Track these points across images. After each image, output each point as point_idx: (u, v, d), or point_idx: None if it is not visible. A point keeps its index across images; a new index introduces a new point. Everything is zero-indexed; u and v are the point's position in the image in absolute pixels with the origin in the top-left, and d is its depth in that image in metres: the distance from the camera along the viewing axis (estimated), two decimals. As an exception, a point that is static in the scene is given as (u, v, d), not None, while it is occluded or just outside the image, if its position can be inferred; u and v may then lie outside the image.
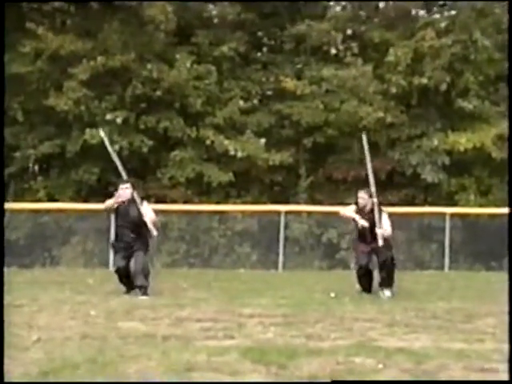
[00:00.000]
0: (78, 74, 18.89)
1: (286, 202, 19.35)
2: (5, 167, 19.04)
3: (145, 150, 19.30)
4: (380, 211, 11.66)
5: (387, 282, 11.66)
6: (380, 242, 11.50)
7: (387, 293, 11.50)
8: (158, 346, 6.64)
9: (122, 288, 11.54)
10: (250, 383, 5.42)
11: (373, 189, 11.81)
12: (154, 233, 11.54)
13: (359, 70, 19.55)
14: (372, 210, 11.64)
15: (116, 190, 11.74)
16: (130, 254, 11.33)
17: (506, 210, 17.20)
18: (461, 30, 19.81)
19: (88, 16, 20.29)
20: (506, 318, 8.10)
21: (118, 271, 11.46)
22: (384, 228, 11.56)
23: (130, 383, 5.32)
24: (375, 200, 11.68)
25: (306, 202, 19.46)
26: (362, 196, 11.87)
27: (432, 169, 19.48)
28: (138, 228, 11.45)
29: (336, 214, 13.14)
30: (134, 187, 11.67)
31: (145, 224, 11.40)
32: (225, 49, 20.08)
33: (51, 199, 19.24)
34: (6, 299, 9.62)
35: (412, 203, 19.46)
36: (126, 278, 11.42)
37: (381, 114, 19.34)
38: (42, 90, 19.60)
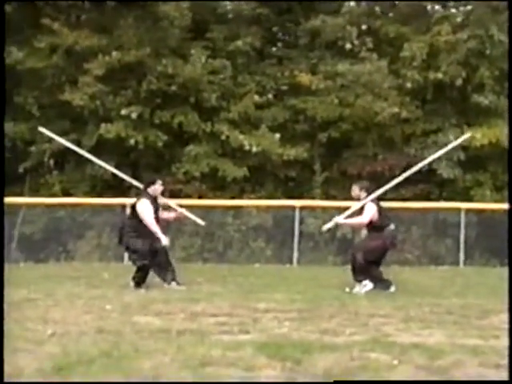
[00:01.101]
0: (93, 69, 18.94)
1: (301, 197, 19.34)
2: (20, 162, 19.15)
3: (160, 144, 19.34)
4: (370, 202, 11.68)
5: (355, 277, 11.63)
6: (324, 226, 12.13)
7: (356, 289, 11.38)
8: (172, 341, 6.64)
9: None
10: (261, 383, 5.40)
11: (392, 183, 12.25)
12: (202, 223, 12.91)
13: (374, 65, 19.51)
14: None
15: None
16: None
17: (505, 206, 17.20)
18: (477, 25, 19.73)
19: (103, 12, 20.35)
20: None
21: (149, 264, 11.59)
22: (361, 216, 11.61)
23: (144, 383, 5.31)
24: (363, 195, 11.73)
25: (321, 197, 19.45)
26: (353, 189, 11.96)
27: (447, 164, 19.41)
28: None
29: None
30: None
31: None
32: (240, 44, 20.08)
33: (66, 194, 19.32)
34: (21, 293, 9.69)
35: (427, 198, 19.42)
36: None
37: (396, 110, 19.31)
38: (58, 85, 19.68)
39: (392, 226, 11.73)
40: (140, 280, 11.48)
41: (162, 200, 12.18)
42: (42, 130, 14.06)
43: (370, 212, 11.46)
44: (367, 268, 11.48)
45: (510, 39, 18.51)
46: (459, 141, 13.70)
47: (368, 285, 11.35)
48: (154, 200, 11.75)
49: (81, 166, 19.82)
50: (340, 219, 11.80)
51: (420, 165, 12.99)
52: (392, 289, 11.39)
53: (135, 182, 12.81)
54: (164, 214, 12.16)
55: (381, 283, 11.48)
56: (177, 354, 6.04)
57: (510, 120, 18.67)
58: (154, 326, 7.49)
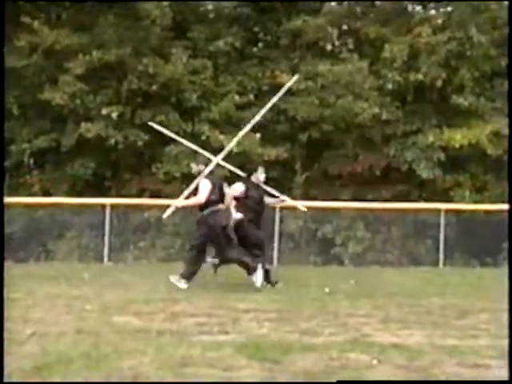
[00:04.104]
0: (73, 69, 18.87)
1: (281, 197, 19.33)
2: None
3: (140, 144, 19.28)
4: None
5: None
6: (165, 213, 12.23)
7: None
8: (152, 341, 6.65)
9: (119, 282, 11.54)
10: (247, 383, 5.40)
11: None
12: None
13: (355, 66, 19.54)
14: None
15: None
16: None
17: (503, 207, 17.20)
18: (457, 27, 19.81)
19: (83, 10, 20.27)
20: (501, 314, 8.12)
21: None
22: None
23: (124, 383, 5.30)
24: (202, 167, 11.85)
25: (301, 198, 19.45)
26: (192, 167, 12.22)
27: (427, 165, 19.45)
28: None
29: (332, 209, 13.39)
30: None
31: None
32: (221, 44, 20.05)
33: (46, 193, 19.24)
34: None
35: (407, 199, 19.45)
36: None
37: (376, 110, 19.33)
38: (38, 84, 19.58)
39: (220, 206, 11.63)
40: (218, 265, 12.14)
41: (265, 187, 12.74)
42: (152, 124, 14.61)
43: (206, 189, 11.42)
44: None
45: (509, 39, 18.56)
46: (291, 82, 14.59)
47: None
48: (257, 187, 12.30)
49: (61, 166, 19.75)
50: (179, 202, 11.76)
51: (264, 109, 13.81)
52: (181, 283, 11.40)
53: (237, 170, 13.29)
54: (268, 200, 12.82)
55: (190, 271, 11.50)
56: (156, 354, 6.05)
57: (509, 121, 18.71)
58: (133, 327, 7.50)
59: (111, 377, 5.34)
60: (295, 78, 14.35)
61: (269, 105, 13.63)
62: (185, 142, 14.49)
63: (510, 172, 17.41)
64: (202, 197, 11.39)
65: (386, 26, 20.61)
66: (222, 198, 11.62)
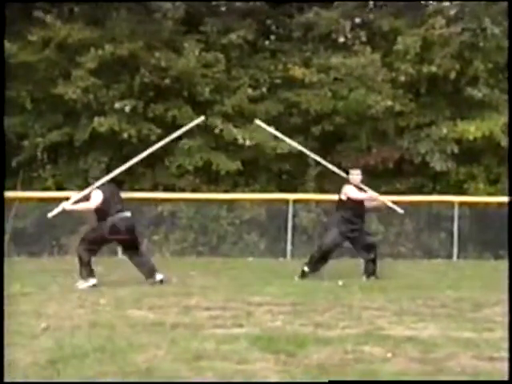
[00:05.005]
0: (86, 63, 18.87)
1: (295, 190, 19.32)
2: (13, 156, 19.09)
3: (153, 138, 19.26)
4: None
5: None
6: (51, 213, 11.96)
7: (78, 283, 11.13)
8: (166, 335, 6.65)
9: (132, 276, 11.55)
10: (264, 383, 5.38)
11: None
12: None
13: (367, 59, 19.47)
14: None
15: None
16: None
17: (505, 199, 17.18)
18: (470, 18, 19.73)
19: (96, 4, 20.27)
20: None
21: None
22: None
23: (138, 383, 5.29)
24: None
25: (315, 191, 19.42)
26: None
27: (441, 157, 19.40)
28: None
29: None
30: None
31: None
32: (233, 37, 20.01)
33: (59, 188, 19.27)
34: (15, 287, 9.69)
35: (420, 192, 19.43)
36: None
37: (389, 103, 19.27)
38: (50, 79, 19.59)
39: (121, 215, 11.50)
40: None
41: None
42: (258, 122, 15.13)
43: (98, 198, 11.42)
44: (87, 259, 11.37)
45: (509, 35, 18.48)
46: (193, 124, 14.15)
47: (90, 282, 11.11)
48: (357, 187, 12.53)
49: (74, 160, 19.78)
50: (67, 205, 11.68)
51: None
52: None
53: (338, 171, 13.61)
54: (368, 204, 12.88)
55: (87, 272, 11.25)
56: (170, 347, 6.06)
57: (509, 114, 18.64)
58: (147, 320, 7.51)
59: (126, 370, 5.35)
60: (201, 118, 14.34)
61: (168, 139, 13.92)
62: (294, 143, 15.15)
63: (510, 164, 17.35)
64: (92, 204, 11.43)
65: (399, 18, 20.55)
66: (122, 206, 11.61)
